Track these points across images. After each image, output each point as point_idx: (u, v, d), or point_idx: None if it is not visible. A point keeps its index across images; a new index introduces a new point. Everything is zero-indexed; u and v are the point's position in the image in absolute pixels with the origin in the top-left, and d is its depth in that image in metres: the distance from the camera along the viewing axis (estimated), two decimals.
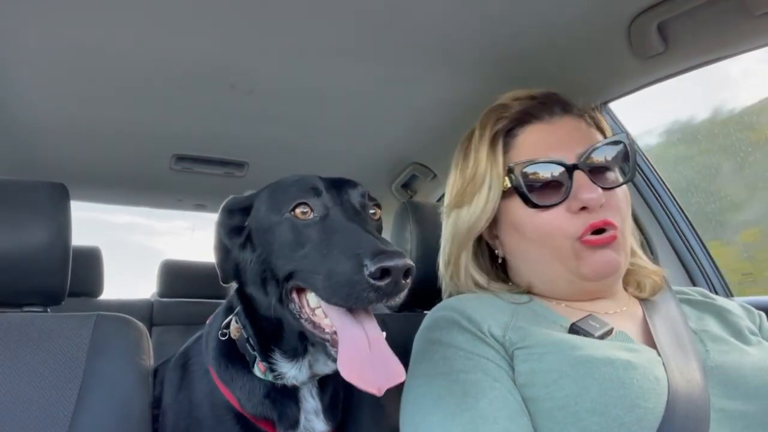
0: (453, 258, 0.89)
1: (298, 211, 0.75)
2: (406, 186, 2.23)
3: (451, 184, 0.91)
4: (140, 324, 1.01)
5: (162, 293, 2.86)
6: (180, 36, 1.25)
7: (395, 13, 1.15)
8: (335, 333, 0.69)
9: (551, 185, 0.78)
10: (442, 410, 0.66)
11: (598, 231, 0.76)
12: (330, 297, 0.68)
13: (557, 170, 0.78)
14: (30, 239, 0.94)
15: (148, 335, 1.01)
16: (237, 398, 0.86)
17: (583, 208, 0.76)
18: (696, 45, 1.08)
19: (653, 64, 1.16)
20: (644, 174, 1.51)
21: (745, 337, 0.78)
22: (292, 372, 0.84)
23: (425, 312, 0.88)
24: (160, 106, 1.62)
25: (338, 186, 0.80)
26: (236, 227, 0.87)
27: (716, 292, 1.45)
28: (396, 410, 0.80)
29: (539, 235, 0.79)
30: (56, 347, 0.92)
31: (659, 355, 0.70)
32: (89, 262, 2.55)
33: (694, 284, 1.49)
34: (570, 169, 0.78)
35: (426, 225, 1.09)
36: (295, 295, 0.76)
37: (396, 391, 0.93)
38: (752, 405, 0.65)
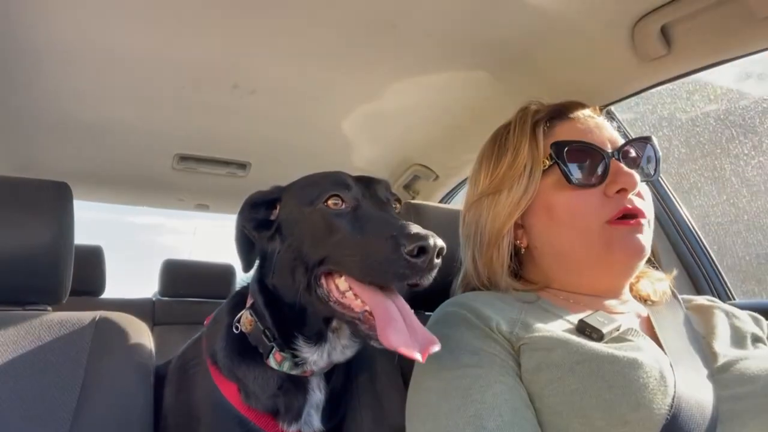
0: (492, 242, 0.87)
1: (330, 202, 0.81)
2: (407, 187, 2.23)
3: (483, 177, 0.92)
4: (142, 323, 1.02)
5: (163, 292, 2.86)
6: (183, 37, 1.25)
7: (397, 16, 1.15)
8: (366, 312, 0.74)
9: (590, 167, 0.82)
10: (449, 404, 0.67)
11: (630, 216, 0.80)
12: (367, 276, 0.73)
13: (596, 155, 0.82)
14: (33, 238, 0.94)
15: (150, 334, 1.01)
16: (250, 391, 0.87)
17: (620, 192, 0.79)
18: (699, 48, 1.08)
19: (656, 67, 1.16)
20: None
21: (749, 342, 0.79)
22: (313, 357, 0.87)
23: (428, 313, 0.88)
24: (163, 105, 1.63)
25: (365, 181, 0.86)
26: (263, 220, 0.89)
27: (719, 297, 1.45)
28: (395, 409, 0.80)
29: (571, 214, 0.81)
30: (58, 346, 0.92)
31: (665, 354, 0.70)
32: (91, 261, 2.55)
33: (697, 288, 1.49)
34: (608, 157, 0.82)
35: (428, 226, 1.09)
36: (324, 281, 0.80)
37: (396, 393, 0.93)
38: (760, 405, 0.65)
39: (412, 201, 1.17)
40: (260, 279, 0.89)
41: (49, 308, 1.02)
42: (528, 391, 0.68)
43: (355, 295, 0.76)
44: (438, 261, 0.70)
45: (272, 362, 0.87)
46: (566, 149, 0.82)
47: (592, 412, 0.62)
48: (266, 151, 2.01)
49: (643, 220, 0.80)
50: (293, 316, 0.85)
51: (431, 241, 0.68)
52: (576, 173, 0.81)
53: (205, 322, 0.99)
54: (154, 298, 2.85)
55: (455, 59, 1.33)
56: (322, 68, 1.40)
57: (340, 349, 0.88)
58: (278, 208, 0.90)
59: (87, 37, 1.24)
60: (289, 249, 0.84)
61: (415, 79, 1.45)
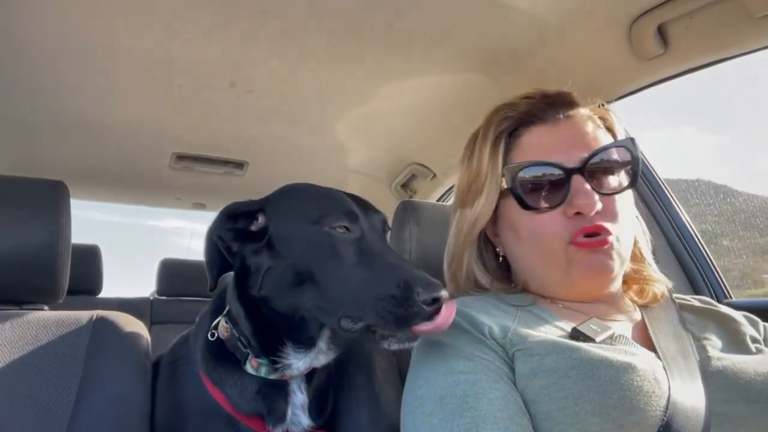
0: (456, 256, 0.89)
1: (338, 227, 0.79)
2: (405, 186, 2.23)
3: (458, 184, 0.91)
4: (139, 322, 1.02)
5: (161, 292, 2.86)
6: (181, 36, 1.25)
7: (394, 17, 1.15)
8: None
9: (548, 188, 0.78)
10: (443, 411, 0.66)
11: (591, 235, 0.76)
12: (368, 316, 0.73)
13: (556, 173, 0.77)
14: (29, 237, 0.94)
15: (147, 333, 1.01)
16: (229, 396, 0.87)
17: (578, 213, 0.76)
18: (696, 47, 1.09)
19: (653, 66, 1.17)
20: (645, 177, 1.51)
21: (747, 345, 0.78)
22: (298, 363, 0.86)
23: None
24: (160, 104, 1.62)
25: (365, 208, 0.86)
26: (243, 231, 0.87)
27: (716, 296, 1.45)
28: (393, 407, 0.80)
29: (533, 236, 0.80)
30: (55, 345, 0.92)
31: (659, 358, 0.70)
32: (88, 260, 2.55)
33: (694, 287, 1.49)
34: (568, 173, 0.77)
35: (425, 225, 1.09)
36: None
37: (394, 390, 0.93)
38: (754, 409, 0.65)
39: (410, 199, 1.17)
40: (239, 289, 0.88)
41: (46, 307, 1.01)
42: (523, 397, 0.68)
43: None
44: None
45: (249, 368, 0.87)
46: (519, 173, 0.79)
47: (587, 417, 0.62)
48: (264, 150, 2.01)
49: (609, 237, 0.75)
50: (286, 325, 0.84)
51: (444, 293, 0.70)
52: (531, 199, 0.78)
53: (197, 320, 1.00)
54: (151, 298, 2.85)
55: (452, 60, 1.33)
56: (320, 68, 1.39)
57: (316, 353, 0.87)
58: (260, 218, 0.87)
59: (84, 35, 1.24)
60: (289, 268, 0.81)
61: (412, 79, 1.45)
